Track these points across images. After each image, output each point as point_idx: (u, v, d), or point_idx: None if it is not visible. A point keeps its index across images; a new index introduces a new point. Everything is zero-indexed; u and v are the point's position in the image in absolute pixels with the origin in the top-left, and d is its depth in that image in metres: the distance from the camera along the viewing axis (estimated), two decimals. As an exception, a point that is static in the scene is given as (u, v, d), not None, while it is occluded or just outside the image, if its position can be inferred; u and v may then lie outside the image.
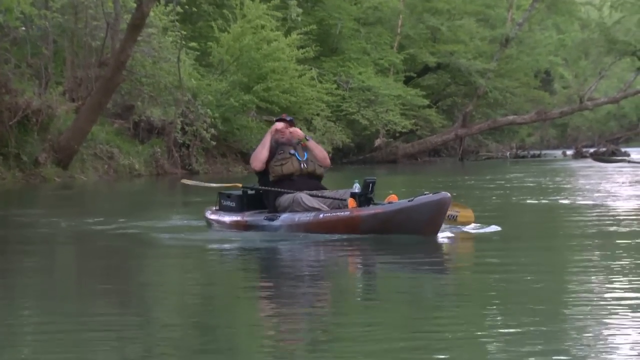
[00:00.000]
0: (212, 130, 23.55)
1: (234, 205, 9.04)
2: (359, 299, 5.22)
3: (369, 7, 32.74)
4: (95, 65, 22.30)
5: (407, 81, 34.36)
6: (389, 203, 7.84)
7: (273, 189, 8.39)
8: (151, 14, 20.85)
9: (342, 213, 7.92)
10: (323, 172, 8.66)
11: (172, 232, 8.77)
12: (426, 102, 32.83)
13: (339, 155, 29.78)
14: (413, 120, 32.05)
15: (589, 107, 34.19)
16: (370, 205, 7.92)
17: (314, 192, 8.40)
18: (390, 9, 32.99)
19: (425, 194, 7.64)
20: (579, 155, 35.87)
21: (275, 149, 8.46)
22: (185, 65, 23.60)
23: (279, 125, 8.57)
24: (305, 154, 8.51)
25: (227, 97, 24.91)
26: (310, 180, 8.51)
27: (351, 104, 30.13)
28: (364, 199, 7.91)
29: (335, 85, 29.30)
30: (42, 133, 19.79)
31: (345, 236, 7.72)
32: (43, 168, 19.49)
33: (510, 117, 34.94)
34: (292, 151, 8.46)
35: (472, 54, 34.36)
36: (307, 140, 8.64)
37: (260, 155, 8.41)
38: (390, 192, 8.87)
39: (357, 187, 7.96)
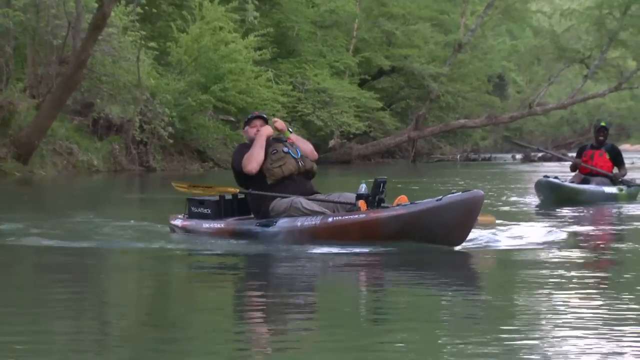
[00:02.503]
0: (170, 129, 24.06)
1: (208, 212, 8.13)
2: (359, 317, 4.67)
3: (326, 10, 33.29)
4: (56, 63, 22.62)
5: (362, 84, 35.02)
6: (411, 203, 6.90)
7: (268, 193, 7.57)
8: (112, 13, 21.28)
9: (357, 215, 6.99)
10: (316, 169, 7.91)
11: (140, 235, 8.24)
12: (380, 104, 33.55)
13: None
14: (367, 122, 32.77)
15: (538, 112, 35.14)
16: (382, 206, 7.05)
17: (313, 197, 7.59)
18: (346, 13, 33.51)
19: (453, 193, 6.87)
20: (527, 160, 36.86)
21: (266, 147, 7.70)
22: (145, 64, 24.09)
23: (270, 130, 7.80)
24: (297, 150, 7.75)
25: (184, 96, 25.40)
26: (308, 181, 7.77)
27: (307, 105, 30.75)
28: (373, 200, 7.07)
29: (291, 87, 29.86)
30: (3, 128, 20.28)
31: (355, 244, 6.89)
32: (3, 162, 19.96)
33: (462, 121, 35.78)
34: (286, 149, 7.71)
35: (426, 59, 35.12)
36: (290, 132, 7.96)
37: (257, 157, 7.57)
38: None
39: (363, 188, 7.17)
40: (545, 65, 39.86)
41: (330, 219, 7.08)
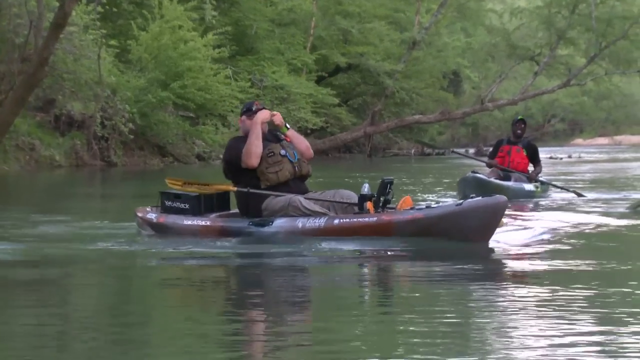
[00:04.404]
0: (130, 125, 24.59)
1: (187, 207, 7.46)
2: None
3: (284, 9, 33.93)
4: (18, 61, 22.94)
5: (319, 80, 35.69)
6: (428, 207, 6.57)
7: (266, 192, 7.10)
8: (73, 12, 21.72)
9: (367, 218, 6.52)
10: (311, 171, 7.41)
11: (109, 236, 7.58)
12: (337, 100, 34.22)
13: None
14: (324, 118, 33.45)
15: (489, 108, 35.98)
16: (388, 208, 6.65)
17: (310, 194, 7.14)
18: (303, 11, 34.18)
19: (473, 197, 6.48)
20: (479, 154, 37.72)
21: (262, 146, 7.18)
22: (105, 62, 24.57)
23: (267, 114, 7.25)
24: (294, 153, 7.23)
25: (145, 93, 25.93)
26: (302, 184, 7.29)
27: (265, 102, 31.31)
28: (378, 200, 6.65)
29: (249, 84, 30.46)
30: (-34, 125, 20.73)
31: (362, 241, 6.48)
32: (-34, 158, 20.46)
33: (417, 117, 36.56)
34: (283, 152, 7.19)
35: (381, 56, 35.80)
36: (288, 129, 7.48)
37: (256, 150, 7.08)
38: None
39: (366, 188, 6.71)
40: (499, 62, 40.70)
41: (336, 221, 6.58)
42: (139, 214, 7.79)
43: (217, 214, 7.48)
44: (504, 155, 12.61)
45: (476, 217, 6.29)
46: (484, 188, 11.17)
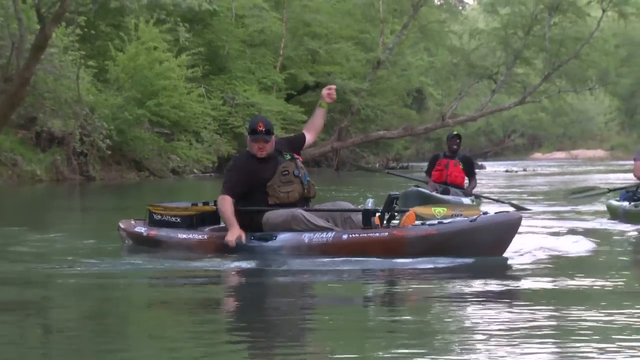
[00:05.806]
0: (108, 141, 25.60)
1: (178, 221, 7.11)
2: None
3: (254, 30, 34.95)
4: (0, 81, 23.75)
5: (289, 98, 36.76)
6: (440, 223, 6.26)
7: (257, 208, 6.84)
8: (53, 35, 22.41)
9: (378, 233, 6.30)
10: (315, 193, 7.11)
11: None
12: (305, 117, 35.37)
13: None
14: (293, 134, 34.57)
15: (449, 124, 37.18)
16: (391, 223, 6.51)
17: (312, 207, 6.91)
18: (273, 33, 35.36)
19: (487, 213, 6.36)
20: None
21: (275, 162, 6.92)
22: (84, 81, 25.65)
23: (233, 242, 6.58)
24: (305, 174, 6.97)
25: (122, 111, 26.96)
26: (306, 204, 7.01)
27: (237, 119, 32.24)
28: (383, 216, 6.53)
29: (222, 101, 31.62)
30: (-49, 142, 21.64)
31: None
32: (-49, 173, 21.34)
33: (381, 132, 37.79)
34: (297, 172, 6.90)
35: (348, 75, 36.84)
36: (327, 105, 7.57)
37: (222, 215, 6.85)
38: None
39: (370, 203, 6.56)
40: (459, 80, 42.16)
41: (345, 236, 6.35)
42: (123, 227, 7.51)
43: (211, 227, 7.14)
44: (442, 168, 12.68)
45: (490, 233, 6.16)
46: (426, 202, 10.83)
